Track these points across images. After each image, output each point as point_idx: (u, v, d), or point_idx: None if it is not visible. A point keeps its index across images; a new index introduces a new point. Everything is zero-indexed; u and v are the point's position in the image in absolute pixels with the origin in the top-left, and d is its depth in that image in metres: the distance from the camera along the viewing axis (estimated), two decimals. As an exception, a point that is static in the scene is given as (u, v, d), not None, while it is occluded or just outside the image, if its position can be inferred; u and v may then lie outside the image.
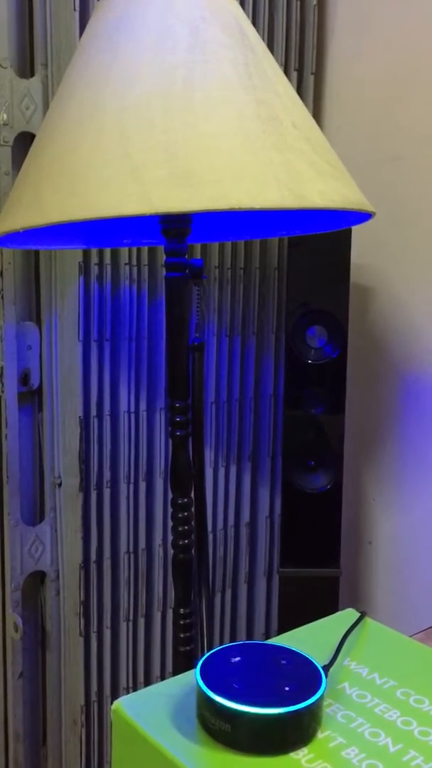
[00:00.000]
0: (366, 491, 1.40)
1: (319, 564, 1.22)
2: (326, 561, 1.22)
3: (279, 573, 1.22)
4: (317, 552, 1.22)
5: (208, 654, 0.46)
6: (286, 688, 0.42)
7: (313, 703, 0.42)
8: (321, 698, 0.42)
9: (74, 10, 1.06)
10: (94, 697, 1.26)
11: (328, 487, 1.20)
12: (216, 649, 0.46)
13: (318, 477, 1.21)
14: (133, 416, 1.22)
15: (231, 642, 1.43)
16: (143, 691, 0.47)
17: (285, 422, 1.20)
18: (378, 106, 1.31)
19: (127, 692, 1.30)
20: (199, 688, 0.43)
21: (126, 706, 0.46)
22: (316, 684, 0.43)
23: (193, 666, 1.01)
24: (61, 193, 0.68)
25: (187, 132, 0.67)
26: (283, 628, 1.24)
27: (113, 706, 0.46)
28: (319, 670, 0.44)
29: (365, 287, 1.35)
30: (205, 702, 0.42)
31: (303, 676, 0.44)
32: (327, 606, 1.22)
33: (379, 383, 1.35)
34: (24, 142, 1.10)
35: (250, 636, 1.45)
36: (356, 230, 1.35)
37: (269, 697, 0.41)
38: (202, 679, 0.43)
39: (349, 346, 1.38)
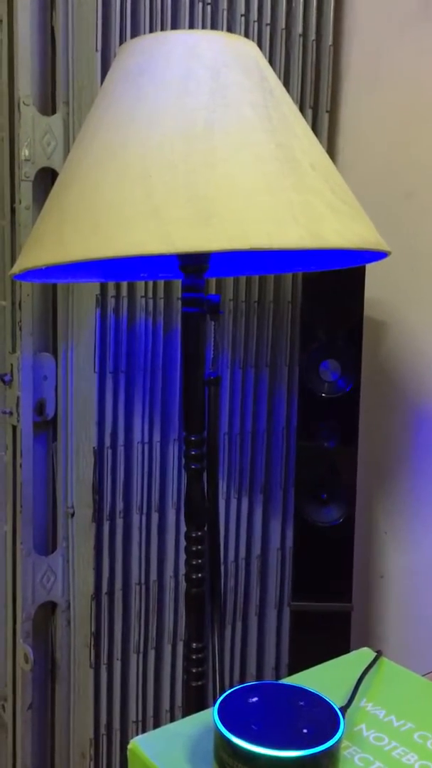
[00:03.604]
0: (378, 525, 1.39)
1: (330, 598, 1.21)
2: (338, 595, 1.21)
3: (290, 606, 1.22)
4: (328, 586, 1.21)
5: (225, 694, 0.46)
6: (305, 730, 0.42)
7: (331, 746, 0.42)
8: (339, 741, 0.42)
9: (96, 50, 1.09)
10: (103, 730, 1.25)
11: (341, 520, 1.20)
12: (233, 689, 0.47)
13: (330, 510, 1.21)
14: (146, 447, 1.23)
15: (240, 674, 1.42)
16: (160, 730, 0.47)
17: (297, 455, 1.20)
18: (391, 143, 1.33)
19: (137, 726, 1.29)
20: (218, 729, 0.43)
21: (143, 745, 0.46)
22: (334, 726, 0.43)
23: (203, 701, 1.00)
24: (84, 231, 0.70)
25: (208, 173, 0.69)
26: (293, 662, 1.23)
27: (130, 745, 0.47)
28: (336, 712, 0.44)
29: (378, 321, 1.36)
30: (223, 743, 0.42)
31: (321, 718, 0.44)
32: (338, 640, 1.21)
33: (392, 417, 1.35)
34: (44, 177, 1.12)
35: (260, 668, 1.44)
36: (370, 264, 1.37)
37: (287, 740, 0.42)
38: (220, 719, 0.43)
39: (363, 380, 1.38)
